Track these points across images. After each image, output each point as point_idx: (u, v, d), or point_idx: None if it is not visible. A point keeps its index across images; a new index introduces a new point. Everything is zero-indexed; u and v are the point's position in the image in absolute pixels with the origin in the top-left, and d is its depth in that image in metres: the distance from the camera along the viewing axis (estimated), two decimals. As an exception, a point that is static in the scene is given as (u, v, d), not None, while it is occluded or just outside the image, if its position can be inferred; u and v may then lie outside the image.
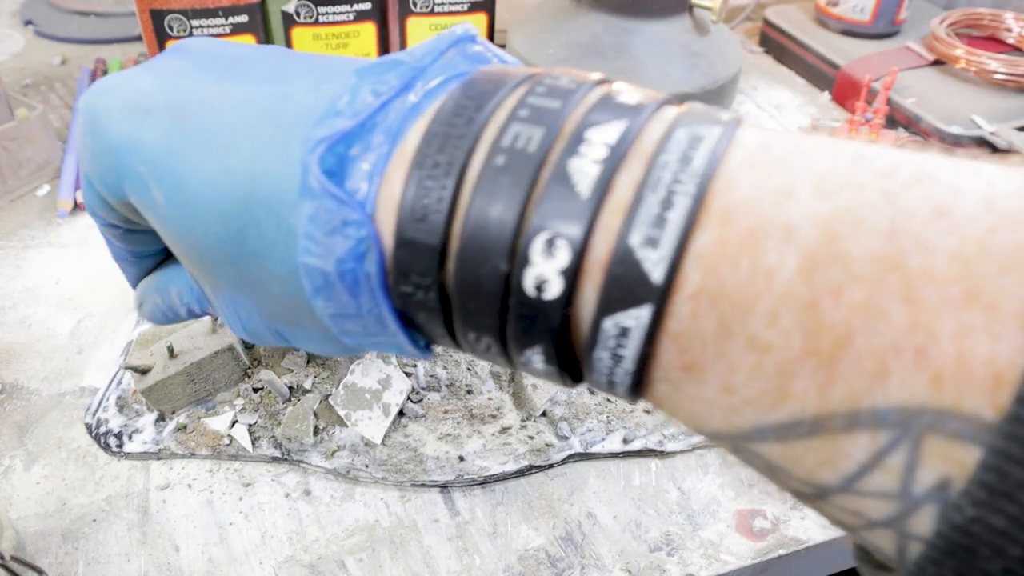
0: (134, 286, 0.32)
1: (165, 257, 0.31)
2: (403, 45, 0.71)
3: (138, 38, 0.81)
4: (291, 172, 0.20)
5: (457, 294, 0.19)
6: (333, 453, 0.40)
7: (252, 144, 0.21)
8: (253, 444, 0.41)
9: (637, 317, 0.16)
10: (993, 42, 0.74)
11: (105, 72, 0.71)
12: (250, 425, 0.41)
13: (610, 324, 0.17)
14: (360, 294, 0.19)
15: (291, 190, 0.20)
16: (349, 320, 0.20)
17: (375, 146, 0.19)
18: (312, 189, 0.19)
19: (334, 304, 0.20)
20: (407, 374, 0.42)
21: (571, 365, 0.19)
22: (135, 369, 0.40)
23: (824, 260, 0.15)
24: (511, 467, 0.40)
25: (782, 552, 0.38)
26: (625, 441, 0.42)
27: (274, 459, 0.40)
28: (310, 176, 0.19)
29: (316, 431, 0.41)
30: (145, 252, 0.29)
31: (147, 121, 0.22)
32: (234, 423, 0.41)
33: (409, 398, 0.42)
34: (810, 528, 0.39)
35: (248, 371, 0.43)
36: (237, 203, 0.21)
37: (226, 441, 0.41)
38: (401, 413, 0.42)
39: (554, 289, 0.17)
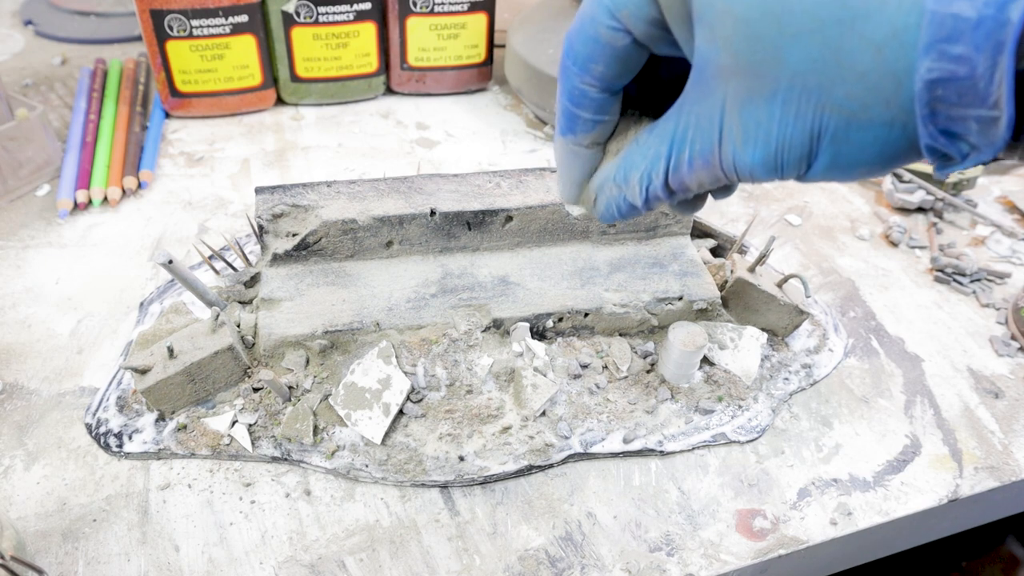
0: (577, 189, 0.30)
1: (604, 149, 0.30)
2: (403, 45, 0.71)
3: (138, 38, 0.81)
4: None
5: None
6: (333, 453, 0.40)
7: None
8: (253, 444, 0.41)
9: None
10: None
11: (105, 72, 0.71)
12: (250, 425, 0.41)
13: None
14: (984, 49, 0.18)
15: None
16: (944, 85, 0.19)
17: None
18: None
19: (944, 63, 0.19)
20: (407, 374, 0.42)
21: None
22: (135, 369, 0.40)
23: None
24: (511, 467, 0.40)
25: (782, 552, 0.38)
26: (625, 441, 0.42)
27: (274, 459, 0.40)
28: None
29: (316, 431, 0.41)
30: (605, 114, 0.28)
31: None
32: (234, 423, 0.41)
33: (409, 398, 0.42)
34: (810, 528, 0.39)
35: (248, 371, 0.43)
36: None
37: (226, 441, 0.41)
38: (401, 413, 0.42)
39: None
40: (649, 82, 0.29)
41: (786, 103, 0.22)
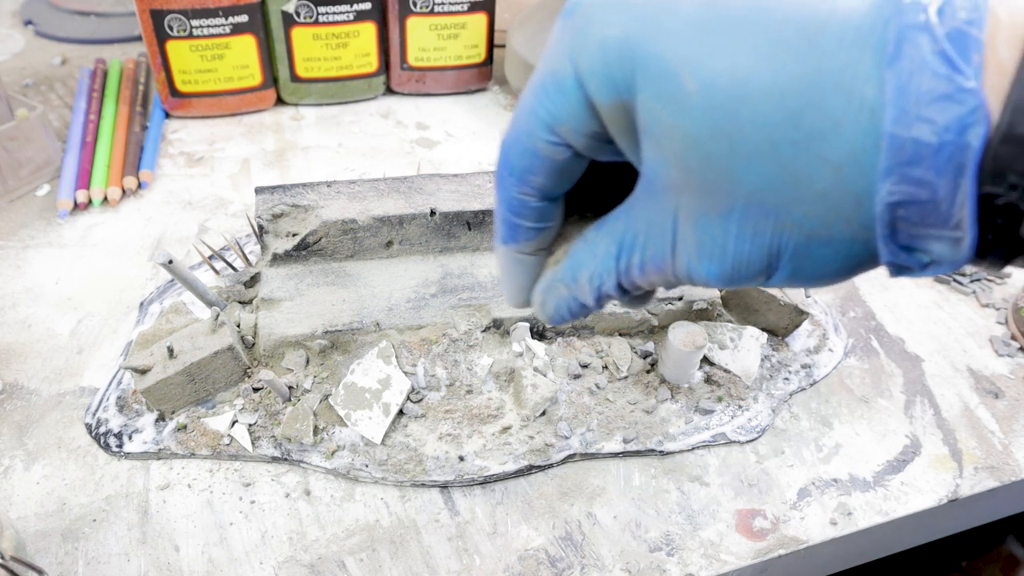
0: (525, 293, 0.29)
1: (550, 249, 0.29)
2: (403, 45, 0.71)
3: (138, 38, 0.81)
4: (864, 40, 0.18)
5: None
6: (333, 453, 0.40)
7: (814, 11, 0.19)
8: (253, 444, 0.41)
9: None
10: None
11: (105, 72, 0.71)
12: (250, 425, 0.41)
13: None
14: (945, 173, 0.18)
15: (864, 61, 0.18)
16: (906, 207, 0.19)
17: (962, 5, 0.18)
18: (914, 54, 0.18)
19: (905, 185, 0.18)
20: (407, 374, 0.42)
21: None
22: (135, 369, 0.40)
23: None
24: (511, 467, 0.40)
25: (782, 552, 0.38)
26: (625, 441, 0.42)
27: (274, 459, 0.40)
28: (919, 39, 0.18)
29: (316, 431, 0.41)
30: (548, 221, 0.27)
31: (676, 3, 0.21)
32: (234, 423, 0.41)
33: (409, 398, 0.42)
34: (810, 528, 0.39)
35: (248, 371, 0.43)
36: (798, 80, 0.19)
37: (226, 441, 0.41)
38: (401, 413, 0.42)
39: None
40: (588, 177, 0.28)
41: (743, 221, 0.21)
